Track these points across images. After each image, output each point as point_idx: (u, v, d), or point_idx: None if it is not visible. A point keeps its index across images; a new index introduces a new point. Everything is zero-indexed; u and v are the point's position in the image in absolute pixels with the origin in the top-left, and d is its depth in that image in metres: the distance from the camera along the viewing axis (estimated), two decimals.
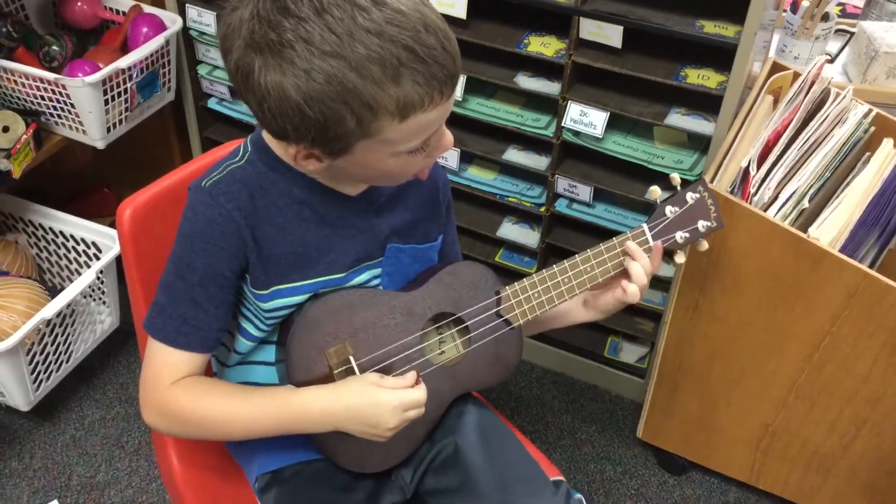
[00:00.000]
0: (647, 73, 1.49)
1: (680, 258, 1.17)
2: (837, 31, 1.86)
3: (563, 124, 1.59)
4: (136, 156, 2.05)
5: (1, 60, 1.64)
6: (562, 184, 1.68)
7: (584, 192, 1.67)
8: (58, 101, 1.66)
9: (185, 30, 1.85)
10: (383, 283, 1.08)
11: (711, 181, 1.37)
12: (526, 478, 1.08)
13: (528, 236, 1.82)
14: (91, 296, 1.84)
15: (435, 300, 1.06)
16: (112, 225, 1.85)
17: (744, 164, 1.34)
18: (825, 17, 1.74)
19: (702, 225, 1.16)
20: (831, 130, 1.44)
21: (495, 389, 1.96)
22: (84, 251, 1.86)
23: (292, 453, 1.10)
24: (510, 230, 1.84)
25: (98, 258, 1.82)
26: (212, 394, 0.99)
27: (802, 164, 1.39)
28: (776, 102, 1.52)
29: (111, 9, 1.86)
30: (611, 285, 1.14)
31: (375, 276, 1.07)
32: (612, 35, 1.48)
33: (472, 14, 1.57)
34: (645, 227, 1.13)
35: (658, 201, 1.15)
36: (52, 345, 1.70)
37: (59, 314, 1.66)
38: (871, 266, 1.44)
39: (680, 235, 1.15)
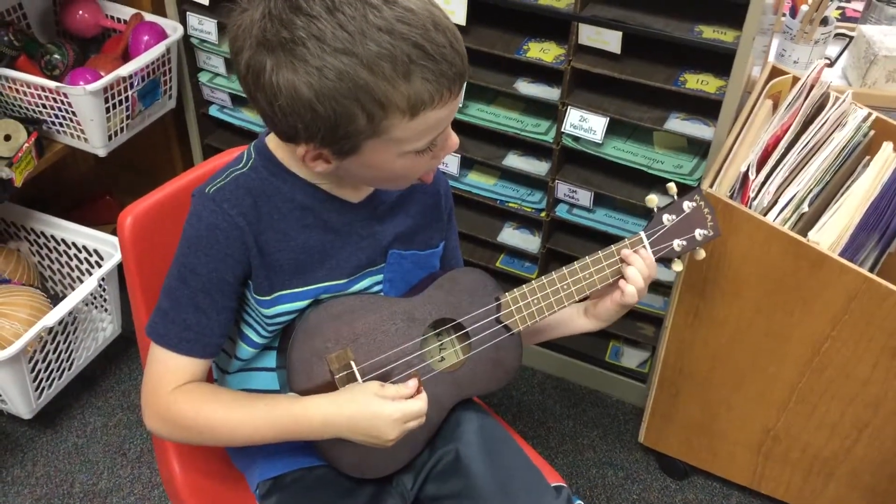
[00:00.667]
0: (646, 79, 1.50)
1: (677, 266, 1.17)
2: (837, 35, 1.87)
3: (562, 130, 1.59)
4: (138, 163, 2.06)
5: (2, 69, 1.65)
6: (562, 189, 1.68)
7: (585, 197, 1.67)
8: (59, 110, 1.67)
9: (186, 37, 1.86)
10: (385, 290, 1.08)
11: (711, 186, 1.38)
12: (527, 484, 1.08)
13: (529, 241, 1.82)
14: (93, 303, 1.85)
15: (435, 306, 1.06)
16: (113, 232, 1.85)
17: (743, 169, 1.34)
18: (824, 21, 1.74)
19: (699, 233, 1.16)
20: (831, 134, 1.44)
21: (497, 395, 1.96)
22: (86, 259, 1.87)
23: (293, 459, 1.10)
24: (511, 235, 1.84)
25: (100, 266, 1.82)
26: (213, 401, 0.99)
27: (802, 168, 1.39)
28: (775, 107, 1.52)
29: (112, 17, 1.87)
30: (609, 292, 1.14)
31: (377, 283, 1.07)
32: (611, 40, 1.49)
33: (471, 20, 1.58)
34: (643, 234, 1.14)
35: (655, 209, 1.15)
36: (53, 352, 1.71)
37: (60, 322, 1.67)
38: (871, 270, 1.44)
39: (677, 243, 1.15)
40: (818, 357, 1.41)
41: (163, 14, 1.85)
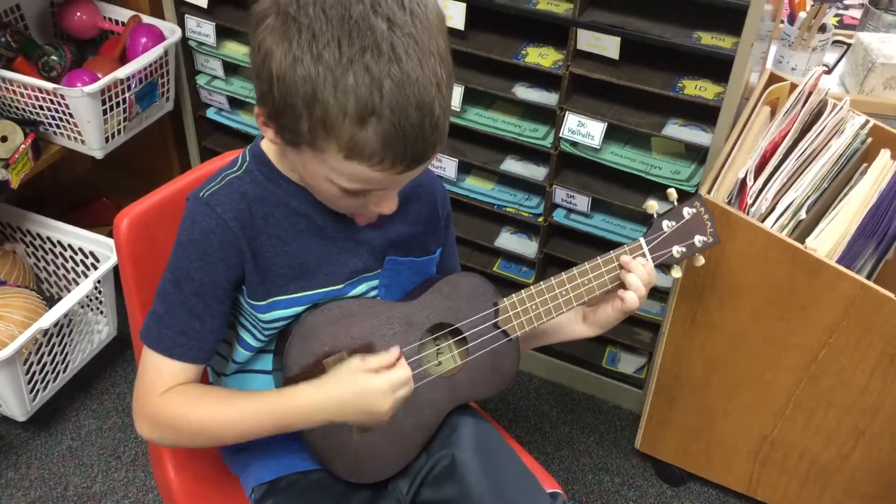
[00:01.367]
0: (644, 84, 1.50)
1: (676, 273, 1.17)
2: (834, 42, 1.87)
3: (560, 135, 1.59)
4: (135, 166, 2.06)
5: (0, 70, 1.64)
6: (560, 194, 1.68)
7: (582, 202, 1.67)
8: (56, 111, 1.67)
9: (184, 40, 1.86)
10: (381, 296, 1.08)
11: (709, 192, 1.38)
12: (523, 490, 1.08)
13: (526, 246, 1.82)
14: (88, 306, 1.84)
15: (433, 311, 1.06)
16: (110, 235, 1.84)
17: (741, 175, 1.34)
18: (822, 29, 1.75)
19: (698, 240, 1.16)
20: (828, 141, 1.45)
21: (493, 400, 1.95)
22: (82, 261, 1.86)
23: (288, 463, 1.09)
24: (508, 240, 1.84)
25: (96, 268, 1.82)
26: (205, 398, 0.98)
27: (800, 174, 1.40)
28: (773, 113, 1.52)
29: (110, 19, 1.87)
30: (609, 299, 1.13)
31: (373, 288, 1.07)
32: (609, 46, 1.49)
33: (470, 25, 1.58)
34: (642, 240, 1.14)
35: (655, 215, 1.15)
36: (48, 355, 1.70)
37: (56, 324, 1.66)
38: (868, 277, 1.44)
39: (676, 250, 1.15)
40: (815, 364, 1.41)
41: (161, 16, 1.85)
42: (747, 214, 1.34)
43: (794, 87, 1.51)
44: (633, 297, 1.10)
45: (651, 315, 1.76)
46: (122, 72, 1.67)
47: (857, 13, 2.03)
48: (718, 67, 1.44)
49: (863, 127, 1.47)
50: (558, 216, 1.73)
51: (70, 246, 1.86)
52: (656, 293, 1.76)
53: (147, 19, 1.82)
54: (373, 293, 1.07)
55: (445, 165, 1.75)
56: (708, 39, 1.44)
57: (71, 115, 1.66)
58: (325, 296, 1.02)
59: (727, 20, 1.42)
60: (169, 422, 0.98)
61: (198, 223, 0.96)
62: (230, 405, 0.98)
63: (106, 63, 1.76)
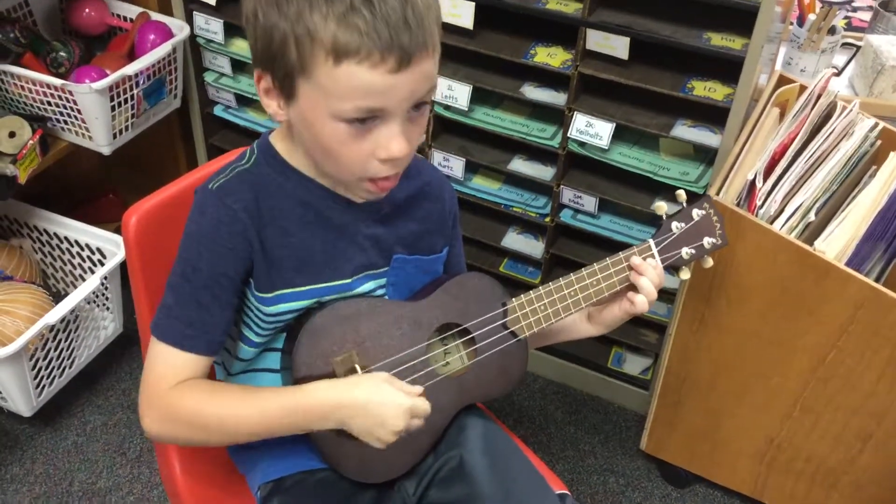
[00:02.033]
0: (653, 85, 1.49)
1: (685, 274, 1.16)
2: (844, 44, 1.87)
3: (568, 135, 1.59)
4: (142, 162, 2.06)
5: (8, 66, 1.64)
6: (567, 194, 1.68)
7: (590, 202, 1.66)
8: (64, 107, 1.67)
9: (192, 37, 1.86)
10: (388, 294, 1.07)
11: (717, 193, 1.37)
12: (531, 491, 1.07)
13: (533, 246, 1.82)
14: (95, 302, 1.84)
15: (442, 311, 1.06)
16: (117, 231, 1.85)
17: (750, 177, 1.33)
18: (832, 31, 1.74)
19: (707, 242, 1.15)
20: (838, 144, 1.44)
21: (497, 400, 1.94)
22: (88, 257, 1.86)
23: (295, 462, 1.09)
24: (515, 240, 1.84)
25: (102, 264, 1.82)
26: (217, 393, 0.98)
27: (809, 177, 1.39)
28: (782, 115, 1.52)
29: (119, 15, 1.87)
30: (616, 299, 1.13)
31: (380, 286, 1.06)
32: (618, 46, 1.48)
33: (478, 24, 1.58)
34: (651, 242, 1.13)
35: (664, 216, 1.14)
36: (55, 350, 1.70)
37: (62, 320, 1.66)
38: (877, 280, 1.43)
39: (686, 251, 1.14)
40: (823, 367, 1.41)
41: (169, 13, 1.85)
42: (756, 216, 1.34)
43: (803, 88, 1.51)
44: (643, 301, 1.09)
45: (657, 316, 1.76)
46: (131, 68, 1.67)
47: (867, 16, 2.03)
48: (728, 69, 1.43)
49: (872, 129, 1.47)
50: (565, 216, 1.72)
51: (77, 242, 1.86)
52: (663, 294, 1.75)
53: (155, 16, 1.82)
54: (380, 291, 1.07)
55: (453, 165, 1.75)
56: (718, 40, 1.44)
57: (79, 111, 1.66)
58: (331, 290, 1.02)
59: (737, 21, 1.41)
60: (182, 416, 0.97)
61: (206, 214, 0.95)
62: (245, 399, 0.98)
63: (114, 60, 1.76)
